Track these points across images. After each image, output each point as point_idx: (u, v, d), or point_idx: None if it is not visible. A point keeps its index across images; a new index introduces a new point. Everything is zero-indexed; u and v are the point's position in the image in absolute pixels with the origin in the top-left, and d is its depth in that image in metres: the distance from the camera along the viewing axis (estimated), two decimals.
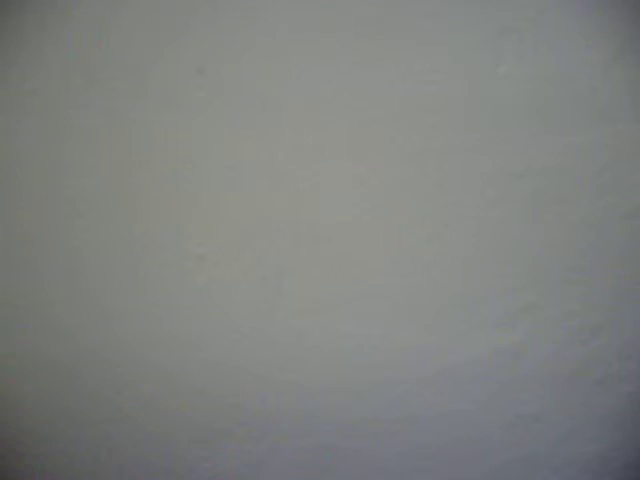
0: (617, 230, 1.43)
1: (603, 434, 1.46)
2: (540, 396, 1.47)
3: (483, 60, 1.42)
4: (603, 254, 1.43)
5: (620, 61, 1.40)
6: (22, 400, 1.52)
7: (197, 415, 1.51)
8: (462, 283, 1.46)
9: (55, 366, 1.52)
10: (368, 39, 1.43)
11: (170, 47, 1.45)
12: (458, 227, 1.45)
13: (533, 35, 1.41)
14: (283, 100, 1.45)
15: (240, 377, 1.50)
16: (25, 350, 1.52)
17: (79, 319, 1.51)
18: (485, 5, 1.40)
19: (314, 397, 1.49)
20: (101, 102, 1.47)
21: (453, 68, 1.42)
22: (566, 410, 1.47)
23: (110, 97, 1.47)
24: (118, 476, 1.53)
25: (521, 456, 1.48)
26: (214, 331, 1.49)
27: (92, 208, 1.49)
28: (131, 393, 1.52)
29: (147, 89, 1.47)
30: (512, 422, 1.48)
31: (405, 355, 1.48)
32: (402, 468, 1.50)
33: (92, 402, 1.52)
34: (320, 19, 1.43)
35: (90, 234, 1.50)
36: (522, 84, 1.41)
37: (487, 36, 1.41)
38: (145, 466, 1.53)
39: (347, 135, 1.45)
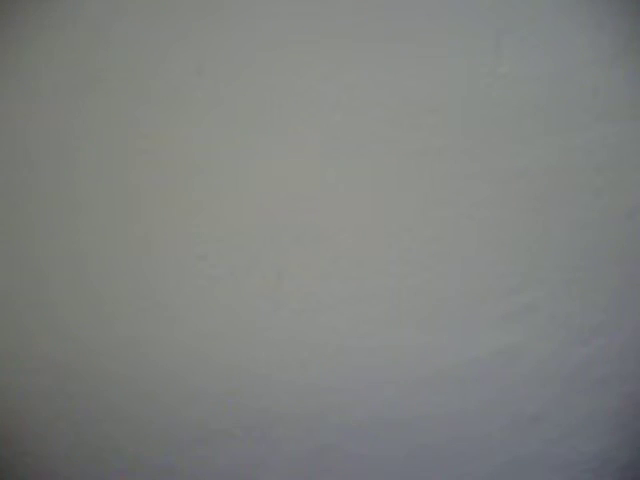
0: (617, 230, 1.43)
1: (603, 434, 1.46)
2: (540, 396, 1.47)
3: (483, 60, 1.42)
4: (603, 254, 1.43)
5: (620, 61, 1.40)
6: (22, 400, 1.53)
7: (197, 415, 1.51)
8: (462, 283, 1.46)
9: (55, 366, 1.52)
10: (368, 39, 1.43)
11: (170, 47, 1.46)
12: (458, 227, 1.45)
13: (533, 35, 1.41)
14: (283, 100, 1.45)
15: (240, 377, 1.50)
16: (25, 350, 1.52)
17: (79, 319, 1.51)
18: (485, 5, 1.40)
19: (314, 397, 1.49)
20: (101, 102, 1.48)
21: (453, 68, 1.42)
22: (566, 410, 1.47)
23: (110, 97, 1.47)
24: (118, 476, 1.53)
25: (521, 456, 1.48)
26: (214, 331, 1.49)
27: (92, 208, 1.50)
28: (131, 393, 1.52)
29: (147, 89, 1.47)
30: (512, 422, 1.48)
31: (405, 355, 1.48)
32: (402, 468, 1.50)
33: (92, 402, 1.52)
34: (320, 19, 1.43)
35: (90, 234, 1.50)
36: (522, 84, 1.41)
37: (487, 36, 1.41)
38: (145, 466, 1.53)
39: (347, 135, 1.45)
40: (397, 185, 1.45)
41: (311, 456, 1.51)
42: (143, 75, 1.47)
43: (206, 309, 1.49)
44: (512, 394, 1.47)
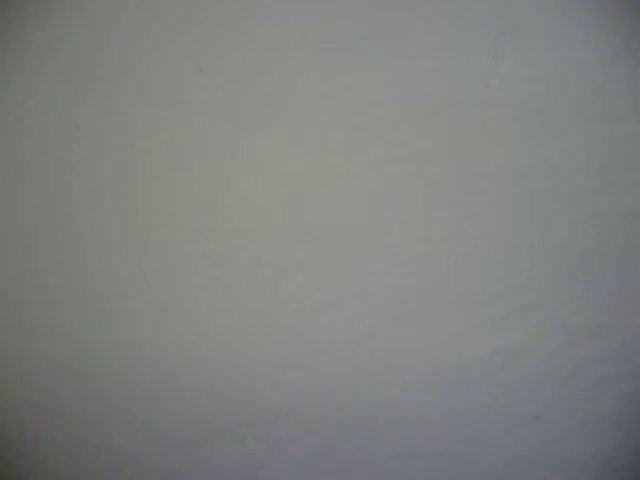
0: (617, 230, 1.43)
1: (603, 434, 1.46)
2: (540, 396, 1.47)
3: (483, 60, 1.42)
4: (603, 254, 1.43)
5: (620, 61, 1.40)
6: (22, 400, 1.53)
7: (197, 415, 1.51)
8: (462, 283, 1.46)
9: (55, 366, 1.52)
10: (368, 39, 1.43)
11: (170, 47, 1.46)
12: (458, 227, 1.45)
13: (533, 35, 1.41)
14: (282, 100, 1.45)
15: (240, 377, 1.50)
16: (25, 350, 1.52)
17: (80, 319, 1.51)
18: (484, 5, 1.41)
19: (314, 397, 1.49)
20: (101, 102, 1.48)
21: (453, 68, 1.42)
22: (566, 410, 1.47)
23: (110, 97, 1.47)
24: (118, 476, 1.53)
25: (521, 456, 1.48)
26: (214, 331, 1.49)
27: (93, 208, 1.50)
28: (131, 393, 1.52)
29: (147, 89, 1.47)
30: (512, 422, 1.48)
31: (405, 355, 1.48)
32: (402, 468, 1.50)
33: (92, 402, 1.52)
34: (320, 19, 1.43)
35: (91, 234, 1.50)
36: (522, 84, 1.42)
37: (487, 36, 1.41)
38: (145, 466, 1.53)
39: (347, 135, 1.45)
40: (397, 185, 1.45)
41: (311, 456, 1.51)
42: (143, 75, 1.47)
43: (206, 309, 1.49)
44: (512, 394, 1.47)
